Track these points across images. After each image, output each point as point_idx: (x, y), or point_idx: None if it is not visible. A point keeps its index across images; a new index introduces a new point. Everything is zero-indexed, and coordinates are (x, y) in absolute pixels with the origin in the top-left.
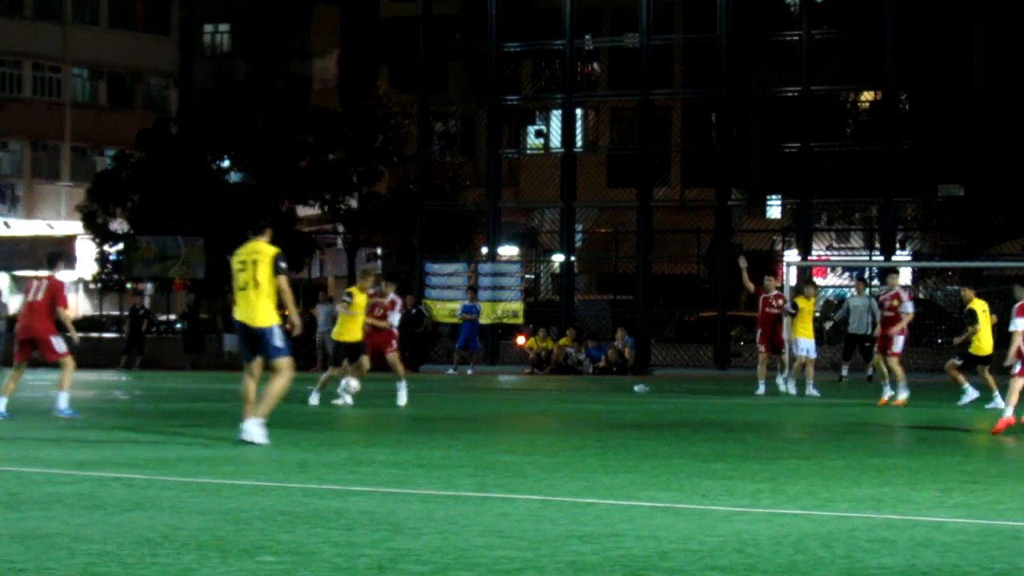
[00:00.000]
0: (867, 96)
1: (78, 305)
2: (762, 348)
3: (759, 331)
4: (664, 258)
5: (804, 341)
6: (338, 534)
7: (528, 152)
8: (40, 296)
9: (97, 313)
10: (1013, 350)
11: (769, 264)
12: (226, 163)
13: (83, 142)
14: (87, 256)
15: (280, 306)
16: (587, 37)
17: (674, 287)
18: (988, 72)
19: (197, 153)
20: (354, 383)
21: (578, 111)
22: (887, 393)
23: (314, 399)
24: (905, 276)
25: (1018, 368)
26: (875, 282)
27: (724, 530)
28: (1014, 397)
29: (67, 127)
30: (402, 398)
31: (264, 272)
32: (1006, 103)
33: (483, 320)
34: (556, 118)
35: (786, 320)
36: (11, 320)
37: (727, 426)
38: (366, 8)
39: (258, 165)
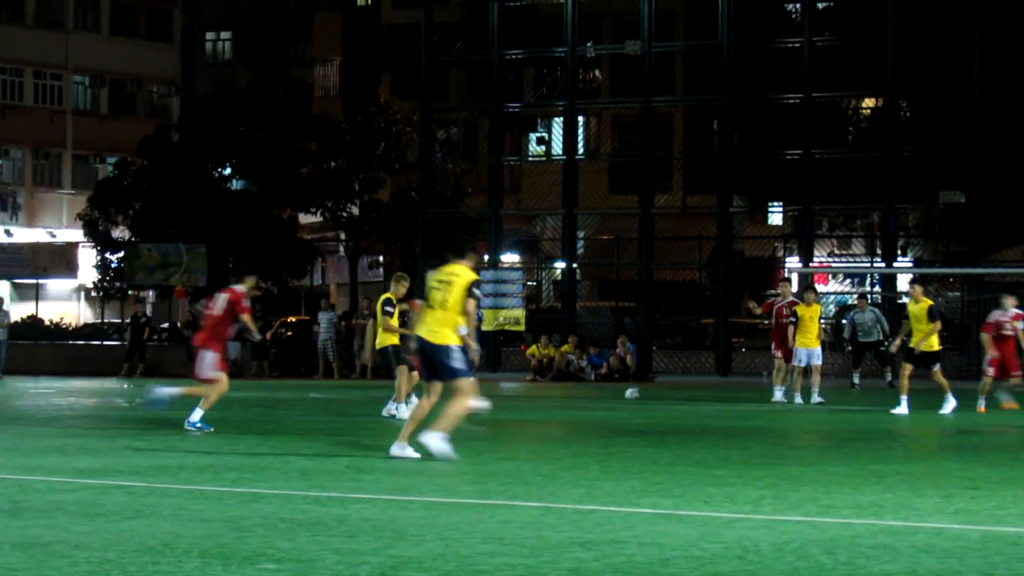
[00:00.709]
0: (868, 103)
1: (80, 313)
2: (778, 355)
3: (773, 340)
4: (666, 265)
5: (803, 351)
6: (340, 541)
7: (530, 159)
8: (218, 308)
9: (99, 321)
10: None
11: (771, 271)
12: (227, 171)
13: (85, 150)
14: (88, 264)
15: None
16: (589, 44)
17: (676, 294)
18: (989, 79)
19: (199, 161)
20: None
21: (580, 118)
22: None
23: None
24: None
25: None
26: (876, 288)
27: (726, 537)
28: None
29: (68, 135)
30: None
31: (456, 295)
32: (1007, 110)
33: (484, 327)
34: (558, 125)
35: (789, 329)
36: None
37: (729, 432)
38: (368, 16)
39: (260, 172)
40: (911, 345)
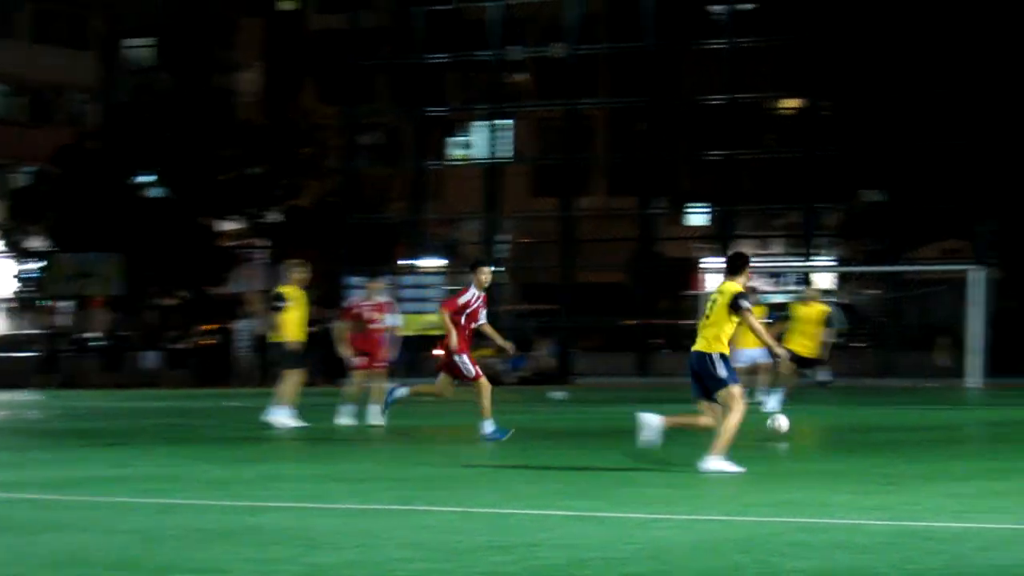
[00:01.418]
0: (790, 104)
1: None
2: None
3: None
4: (588, 267)
5: (747, 351)
6: (254, 550)
7: (453, 164)
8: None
9: (17, 332)
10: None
11: (690, 271)
12: (146, 178)
13: (3, 159)
14: (6, 274)
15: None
16: (515, 47)
17: (598, 296)
18: (909, 80)
19: (116, 168)
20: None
21: (504, 122)
22: None
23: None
24: (826, 281)
25: None
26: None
27: (641, 537)
28: None
29: None
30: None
31: (720, 307)
32: (926, 109)
33: (406, 332)
34: (481, 129)
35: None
36: None
37: None
38: (292, 21)
39: (179, 179)
40: (793, 347)
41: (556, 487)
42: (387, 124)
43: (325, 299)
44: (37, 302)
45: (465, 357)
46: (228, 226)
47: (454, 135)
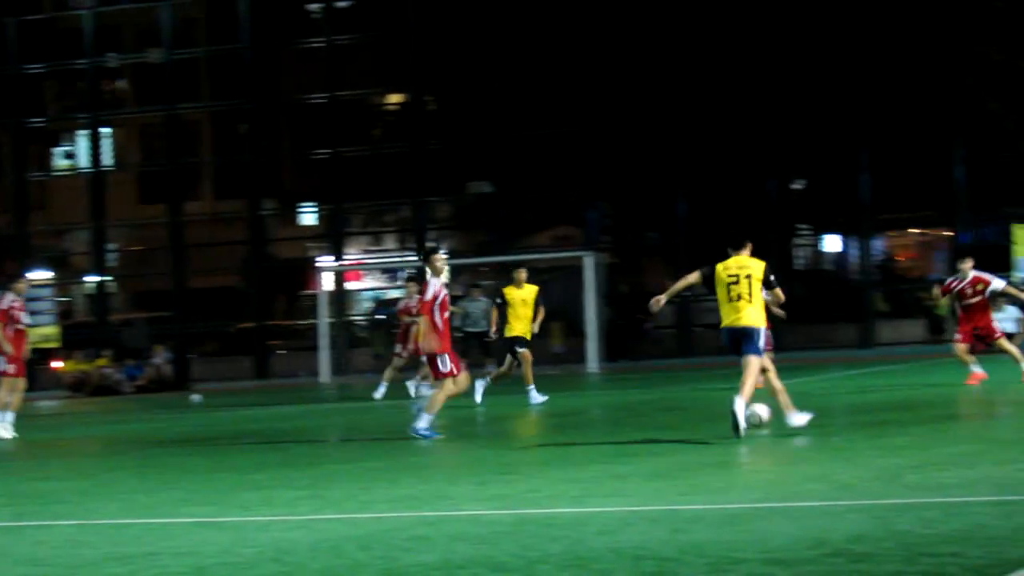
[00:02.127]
0: (394, 99)
1: None
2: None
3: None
4: (199, 272)
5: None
6: None
7: (57, 174)
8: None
9: None
10: None
11: (305, 271)
12: None
13: None
14: None
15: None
16: (112, 55)
17: (212, 301)
18: (509, 70)
19: None
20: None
21: (106, 130)
22: None
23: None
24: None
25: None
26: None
27: (262, 540)
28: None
29: None
30: None
31: (756, 284)
32: (530, 100)
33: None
34: (83, 138)
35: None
36: None
37: (267, 436)
38: None
39: None
40: (519, 334)
41: (177, 495)
42: None
43: None
44: None
45: (447, 356)
46: None
47: (58, 145)
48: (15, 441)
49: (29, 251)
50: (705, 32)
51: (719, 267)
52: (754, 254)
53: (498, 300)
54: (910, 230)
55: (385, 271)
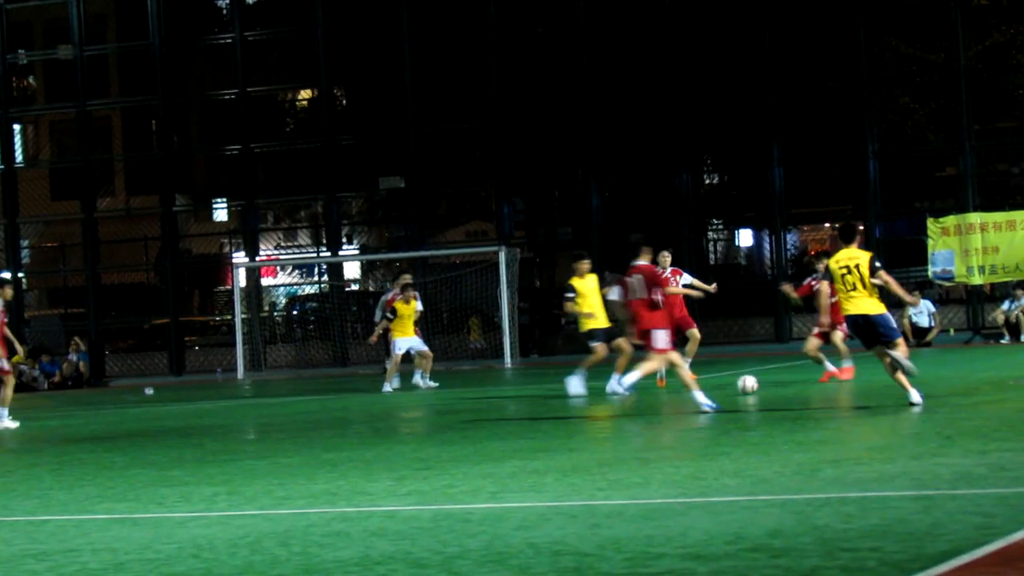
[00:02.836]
0: (305, 94)
1: None
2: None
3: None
4: (113, 268)
5: (402, 340)
6: None
7: None
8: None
9: None
10: None
11: (219, 267)
12: None
13: None
14: None
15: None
16: (20, 52)
17: (126, 297)
18: (420, 65)
19: None
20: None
21: (16, 126)
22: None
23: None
24: (353, 270)
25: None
26: (324, 278)
27: (180, 536)
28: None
29: None
30: None
31: (866, 273)
32: (440, 94)
33: None
34: None
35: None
36: None
37: (184, 432)
38: None
39: None
40: (595, 326)
41: (94, 491)
42: None
43: None
44: None
45: (664, 333)
46: None
47: None
48: None
49: None
50: (617, 26)
51: (830, 262)
52: (666, 248)
53: (568, 295)
54: (824, 224)
55: (298, 267)
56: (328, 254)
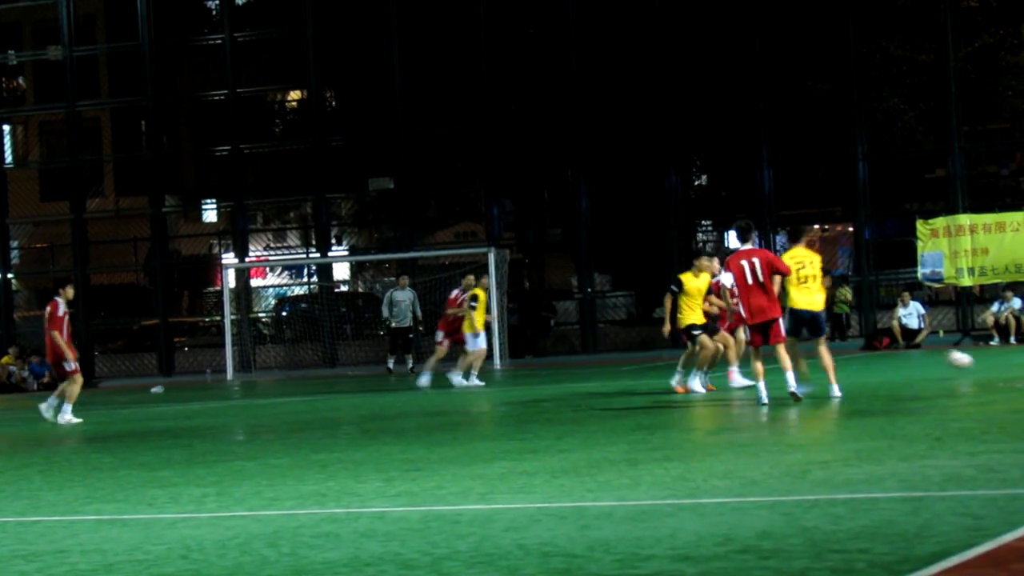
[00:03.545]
0: (294, 95)
1: None
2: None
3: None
4: (102, 269)
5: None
6: None
7: None
8: (760, 275)
9: None
10: None
11: (208, 268)
12: None
13: None
14: None
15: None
16: (10, 52)
17: (116, 297)
18: (409, 67)
19: None
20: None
21: (6, 127)
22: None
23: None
24: (343, 271)
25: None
26: (314, 279)
27: (170, 537)
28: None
29: None
30: None
31: (818, 271)
32: (428, 97)
33: None
34: None
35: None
36: None
37: (174, 433)
38: None
39: None
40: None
41: (83, 492)
42: None
43: None
44: None
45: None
46: None
47: None
48: None
49: None
50: (607, 27)
51: (785, 257)
52: (656, 249)
53: (674, 288)
54: (813, 226)
55: (289, 268)
56: (317, 255)
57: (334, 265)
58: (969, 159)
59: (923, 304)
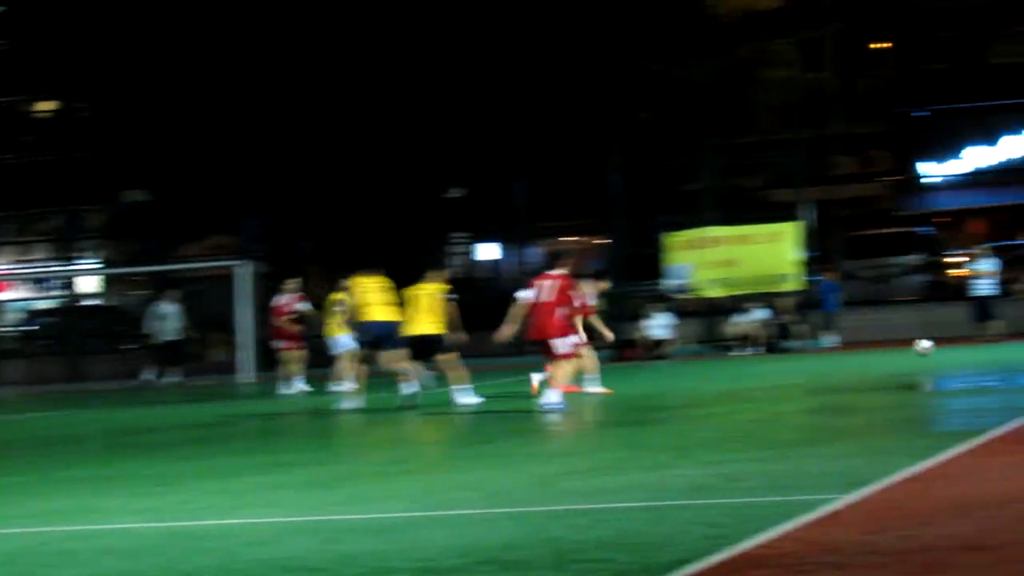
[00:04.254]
0: (45, 106)
1: None
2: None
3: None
4: None
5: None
6: None
7: None
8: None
9: None
10: None
11: None
12: None
13: None
14: None
15: None
16: None
17: None
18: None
19: None
20: None
21: None
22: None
23: None
24: (94, 284)
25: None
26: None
27: None
28: None
29: None
30: None
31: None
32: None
33: None
34: None
35: None
36: None
37: None
38: None
39: None
40: None
41: None
42: None
43: None
44: None
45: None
46: None
47: None
48: None
49: None
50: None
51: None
52: (405, 262)
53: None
54: (567, 237)
55: (37, 281)
56: (69, 268)
57: (85, 278)
58: (719, 172)
59: (673, 315)
